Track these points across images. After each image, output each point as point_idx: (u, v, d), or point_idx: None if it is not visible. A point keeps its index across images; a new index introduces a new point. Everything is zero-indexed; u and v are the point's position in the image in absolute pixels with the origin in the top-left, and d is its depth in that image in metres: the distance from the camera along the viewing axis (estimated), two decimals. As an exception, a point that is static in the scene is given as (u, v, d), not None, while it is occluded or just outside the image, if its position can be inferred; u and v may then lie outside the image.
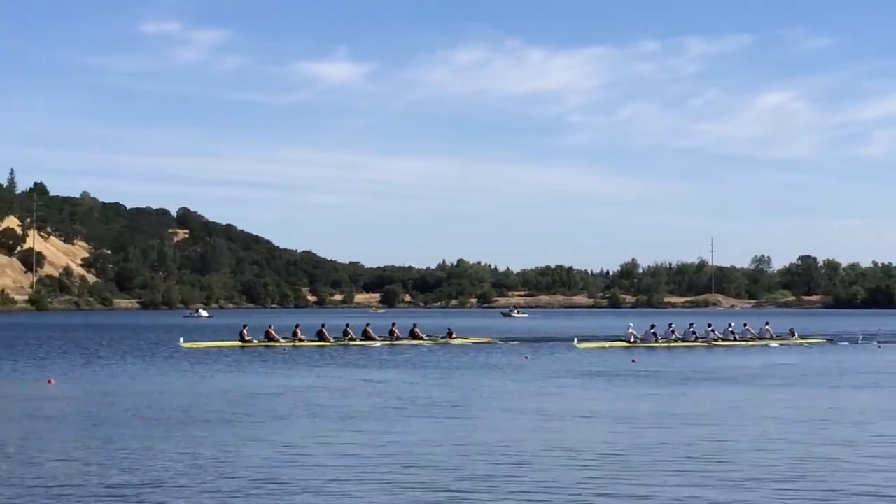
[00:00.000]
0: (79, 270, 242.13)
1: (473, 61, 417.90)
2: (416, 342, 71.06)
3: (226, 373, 46.45)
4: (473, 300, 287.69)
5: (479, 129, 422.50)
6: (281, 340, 67.03)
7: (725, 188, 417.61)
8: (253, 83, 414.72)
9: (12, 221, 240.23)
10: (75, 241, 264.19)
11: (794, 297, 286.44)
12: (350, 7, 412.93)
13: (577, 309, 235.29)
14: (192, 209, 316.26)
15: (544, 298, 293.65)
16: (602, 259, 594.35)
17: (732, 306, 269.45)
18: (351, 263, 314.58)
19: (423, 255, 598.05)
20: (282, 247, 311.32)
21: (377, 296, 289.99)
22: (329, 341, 67.93)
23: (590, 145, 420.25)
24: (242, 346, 64.88)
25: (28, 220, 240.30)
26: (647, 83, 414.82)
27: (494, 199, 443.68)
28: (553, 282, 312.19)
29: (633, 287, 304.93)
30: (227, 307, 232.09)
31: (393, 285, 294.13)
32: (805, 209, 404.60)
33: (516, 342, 74.25)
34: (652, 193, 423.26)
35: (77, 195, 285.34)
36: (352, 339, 69.15)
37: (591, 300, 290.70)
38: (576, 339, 68.39)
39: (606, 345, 68.11)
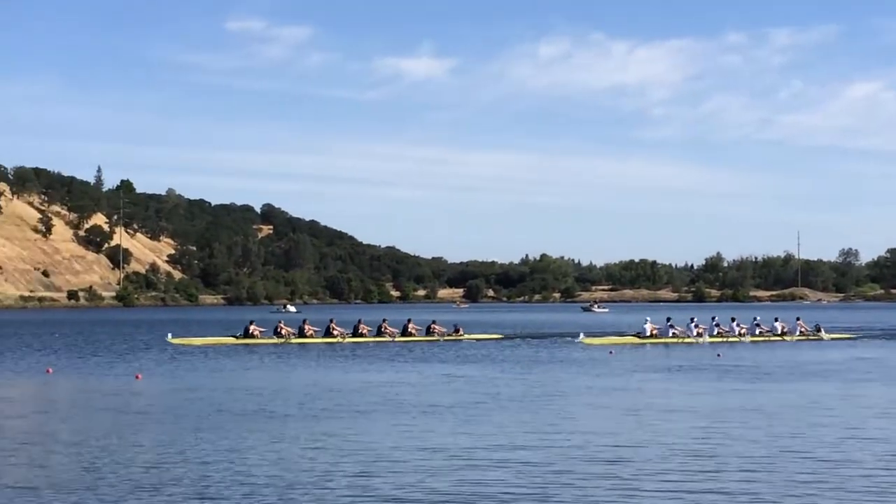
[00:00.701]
0: (165, 267, 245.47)
1: (557, 55, 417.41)
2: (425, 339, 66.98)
3: (305, 368, 46.43)
4: (556, 295, 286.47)
5: (562, 122, 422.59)
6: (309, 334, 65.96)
7: (812, 180, 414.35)
8: (337, 79, 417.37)
9: (100, 219, 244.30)
10: (161, 238, 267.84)
11: (882, 291, 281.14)
12: (434, 2, 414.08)
13: (661, 303, 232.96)
14: (276, 205, 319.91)
15: (628, 293, 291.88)
16: (687, 253, 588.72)
17: (819, 300, 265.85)
18: (434, 258, 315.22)
19: (506, 250, 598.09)
20: (365, 242, 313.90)
21: (460, 291, 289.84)
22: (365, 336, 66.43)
23: (674, 138, 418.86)
24: (246, 343, 62.23)
25: (115, 217, 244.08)
26: (733, 75, 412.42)
27: (578, 193, 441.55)
28: (637, 276, 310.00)
29: (717, 281, 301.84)
30: (310, 302, 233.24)
31: (476, 280, 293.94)
32: (895, 201, 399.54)
33: (527, 337, 73.64)
34: (737, 186, 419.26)
35: (163, 192, 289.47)
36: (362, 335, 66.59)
37: (676, 294, 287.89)
38: (581, 335, 66.54)
39: (616, 340, 65.23)
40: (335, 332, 65.85)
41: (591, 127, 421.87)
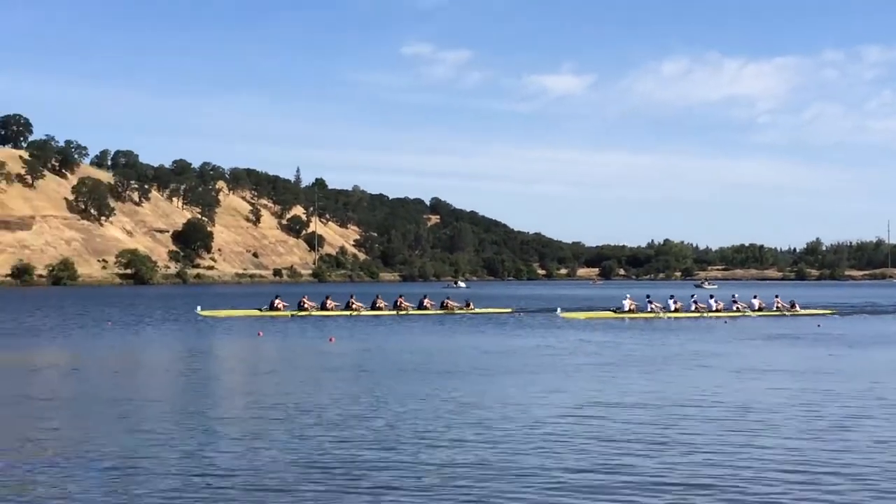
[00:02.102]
0: (351, 249, 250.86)
1: (677, 71, 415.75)
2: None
3: (469, 334, 45.85)
4: (678, 274, 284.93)
5: (681, 129, 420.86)
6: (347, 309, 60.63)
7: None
8: (493, 94, 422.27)
9: (298, 210, 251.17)
10: (348, 226, 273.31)
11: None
12: (573, 29, 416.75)
13: (767, 281, 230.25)
14: (443, 198, 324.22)
15: (739, 272, 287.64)
16: (790, 238, 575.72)
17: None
18: (574, 243, 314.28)
19: (634, 236, 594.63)
20: (516, 229, 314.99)
21: (596, 270, 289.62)
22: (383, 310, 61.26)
23: (779, 141, 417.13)
24: (273, 316, 57.44)
25: (311, 208, 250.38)
26: (830, 87, 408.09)
27: (696, 188, 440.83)
28: (747, 258, 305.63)
29: (817, 262, 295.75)
30: (471, 279, 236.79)
31: (609, 261, 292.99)
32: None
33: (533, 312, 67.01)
34: (833, 182, 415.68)
35: (349, 188, 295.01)
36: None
37: (780, 273, 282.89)
38: (559, 309, 60.84)
39: (592, 315, 59.21)
40: (354, 306, 60.50)
41: (707, 133, 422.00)
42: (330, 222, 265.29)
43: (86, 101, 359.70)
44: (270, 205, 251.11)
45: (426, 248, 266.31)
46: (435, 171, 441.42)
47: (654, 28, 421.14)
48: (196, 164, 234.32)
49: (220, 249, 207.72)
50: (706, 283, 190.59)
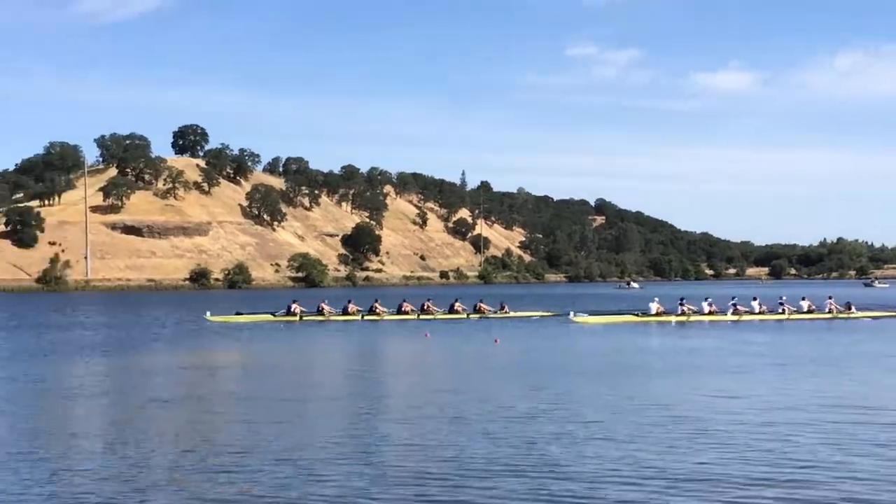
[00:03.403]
0: (517, 251, 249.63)
1: (851, 65, 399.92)
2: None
3: (627, 336, 45.80)
4: (852, 273, 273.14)
5: (857, 124, 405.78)
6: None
7: None
8: (659, 93, 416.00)
9: (464, 213, 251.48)
10: (513, 228, 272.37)
11: None
12: (741, 24, 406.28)
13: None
14: (608, 199, 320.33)
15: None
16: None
17: None
18: (742, 242, 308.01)
19: (806, 234, 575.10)
20: (683, 229, 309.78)
21: (765, 269, 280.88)
22: (409, 314, 59.25)
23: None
24: (288, 321, 55.88)
25: (476, 211, 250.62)
26: None
27: (871, 185, 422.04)
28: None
29: None
30: (637, 280, 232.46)
31: (779, 260, 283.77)
32: None
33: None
34: None
35: (514, 190, 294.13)
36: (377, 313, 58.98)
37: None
38: (572, 313, 56.67)
39: (610, 319, 55.77)
40: (378, 310, 58.69)
41: (885, 128, 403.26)
42: (495, 224, 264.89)
43: (259, 111, 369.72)
44: (437, 208, 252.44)
45: (591, 249, 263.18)
46: (600, 171, 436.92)
47: (826, 21, 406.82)
48: (364, 170, 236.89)
49: (388, 252, 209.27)
50: (876, 281, 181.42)
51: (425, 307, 60.30)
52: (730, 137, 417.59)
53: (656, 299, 58.62)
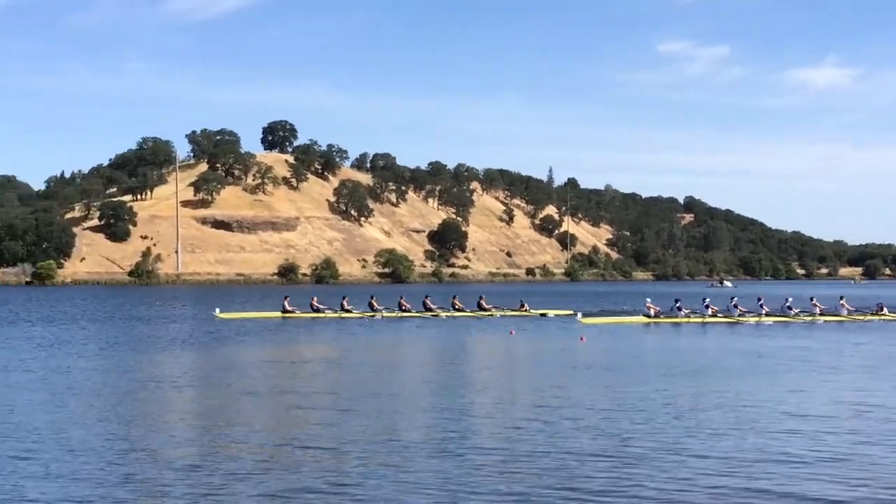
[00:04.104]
0: (603, 248, 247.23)
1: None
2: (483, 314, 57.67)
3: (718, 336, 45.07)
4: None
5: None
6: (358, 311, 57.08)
7: None
8: (751, 89, 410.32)
9: (551, 210, 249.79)
10: (601, 225, 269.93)
11: None
12: (837, 19, 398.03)
13: None
14: (697, 197, 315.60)
15: None
16: None
17: None
18: (835, 241, 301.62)
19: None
20: (773, 227, 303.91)
21: (859, 269, 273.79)
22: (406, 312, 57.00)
23: None
24: (283, 317, 54.68)
25: (563, 208, 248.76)
26: None
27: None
28: None
29: None
30: (727, 278, 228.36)
31: (874, 260, 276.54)
32: None
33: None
34: None
35: (601, 188, 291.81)
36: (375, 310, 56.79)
37: None
38: (580, 314, 53.95)
39: (615, 320, 53.32)
40: (376, 308, 56.69)
41: None
42: (582, 222, 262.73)
43: (347, 107, 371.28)
44: (523, 204, 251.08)
45: (680, 248, 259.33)
46: (689, 169, 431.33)
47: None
48: (451, 166, 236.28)
49: (474, 249, 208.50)
50: None
51: (425, 304, 58.38)
52: (824, 134, 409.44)
53: (648, 300, 56.77)
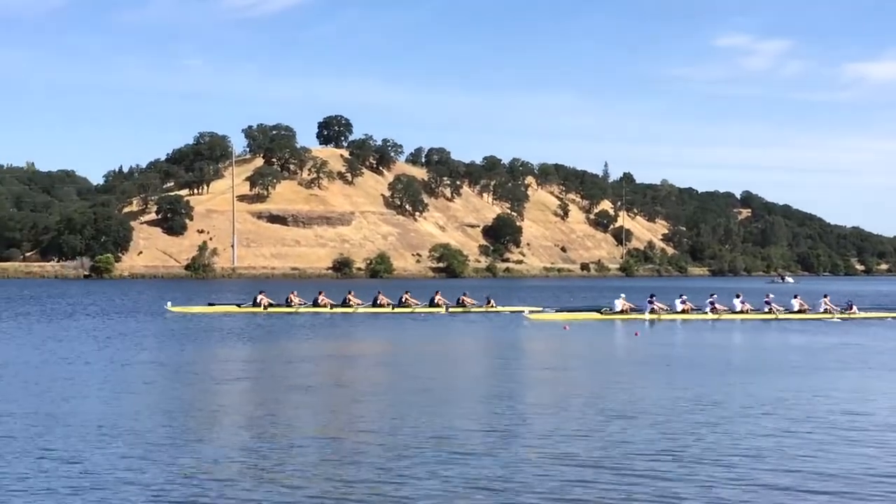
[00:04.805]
0: (659, 244, 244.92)
1: None
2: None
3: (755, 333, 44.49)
4: None
5: None
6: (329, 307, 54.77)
7: None
8: (810, 83, 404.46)
9: (606, 205, 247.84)
10: (656, 220, 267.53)
11: None
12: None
13: None
14: (754, 192, 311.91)
15: None
16: None
17: None
18: None
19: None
20: (832, 223, 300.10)
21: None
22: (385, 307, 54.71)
23: None
24: (254, 312, 52.53)
25: (618, 203, 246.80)
26: None
27: None
28: None
29: None
30: (786, 274, 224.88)
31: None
32: None
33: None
34: None
35: (657, 182, 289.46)
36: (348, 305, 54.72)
37: None
38: (527, 310, 52.11)
39: (569, 316, 50.41)
40: (352, 303, 54.58)
41: None
42: (638, 216, 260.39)
43: (402, 102, 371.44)
44: (578, 199, 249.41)
45: (736, 243, 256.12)
46: (746, 163, 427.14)
47: None
48: (505, 161, 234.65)
49: (528, 244, 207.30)
50: None
51: (403, 300, 56.09)
52: (884, 129, 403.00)
53: (622, 296, 53.21)
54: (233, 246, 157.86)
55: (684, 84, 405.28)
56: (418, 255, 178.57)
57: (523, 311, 52.38)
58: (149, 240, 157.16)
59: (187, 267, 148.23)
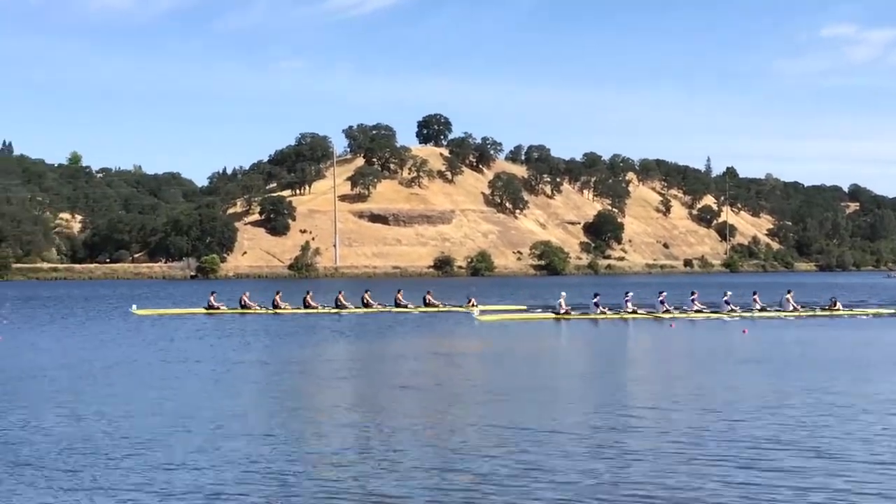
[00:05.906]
0: (764, 239, 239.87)
1: None
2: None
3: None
4: None
5: None
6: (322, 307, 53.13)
7: None
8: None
9: (709, 200, 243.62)
10: (761, 215, 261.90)
11: None
12: None
13: None
14: (862, 185, 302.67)
15: None
16: None
17: None
18: None
19: None
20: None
21: None
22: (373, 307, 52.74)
23: None
24: (208, 314, 51.28)
25: (722, 198, 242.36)
26: None
27: None
28: None
29: None
30: (894, 268, 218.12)
31: None
32: None
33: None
34: None
35: (762, 177, 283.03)
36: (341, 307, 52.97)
37: None
38: (477, 311, 49.51)
39: (510, 317, 48.39)
40: (311, 305, 52.97)
41: None
42: (742, 211, 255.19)
43: (501, 100, 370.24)
44: (680, 195, 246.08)
45: (844, 237, 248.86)
46: (854, 156, 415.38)
47: None
48: (606, 157, 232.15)
49: (630, 240, 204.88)
50: None
51: (397, 300, 54.38)
52: None
53: (563, 295, 49.32)
54: (335, 245, 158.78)
55: (788, 76, 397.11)
56: (519, 252, 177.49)
57: (472, 312, 49.69)
58: (253, 240, 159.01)
59: (290, 267, 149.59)
